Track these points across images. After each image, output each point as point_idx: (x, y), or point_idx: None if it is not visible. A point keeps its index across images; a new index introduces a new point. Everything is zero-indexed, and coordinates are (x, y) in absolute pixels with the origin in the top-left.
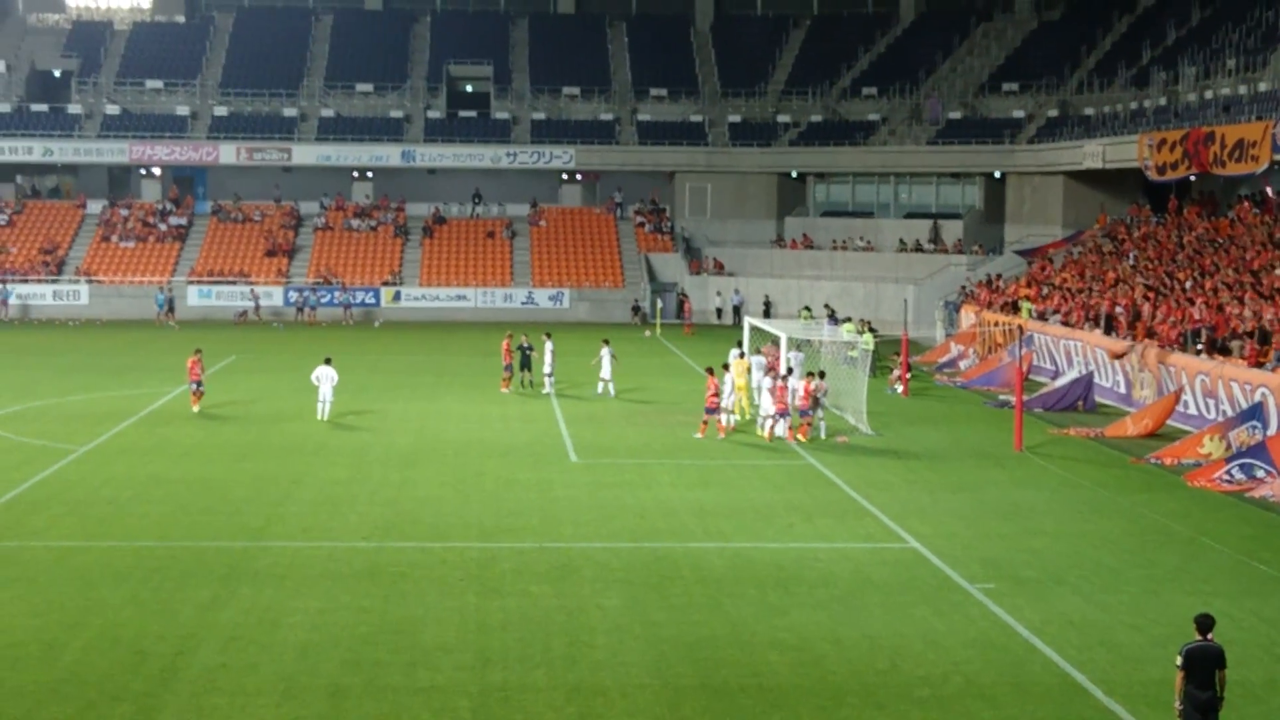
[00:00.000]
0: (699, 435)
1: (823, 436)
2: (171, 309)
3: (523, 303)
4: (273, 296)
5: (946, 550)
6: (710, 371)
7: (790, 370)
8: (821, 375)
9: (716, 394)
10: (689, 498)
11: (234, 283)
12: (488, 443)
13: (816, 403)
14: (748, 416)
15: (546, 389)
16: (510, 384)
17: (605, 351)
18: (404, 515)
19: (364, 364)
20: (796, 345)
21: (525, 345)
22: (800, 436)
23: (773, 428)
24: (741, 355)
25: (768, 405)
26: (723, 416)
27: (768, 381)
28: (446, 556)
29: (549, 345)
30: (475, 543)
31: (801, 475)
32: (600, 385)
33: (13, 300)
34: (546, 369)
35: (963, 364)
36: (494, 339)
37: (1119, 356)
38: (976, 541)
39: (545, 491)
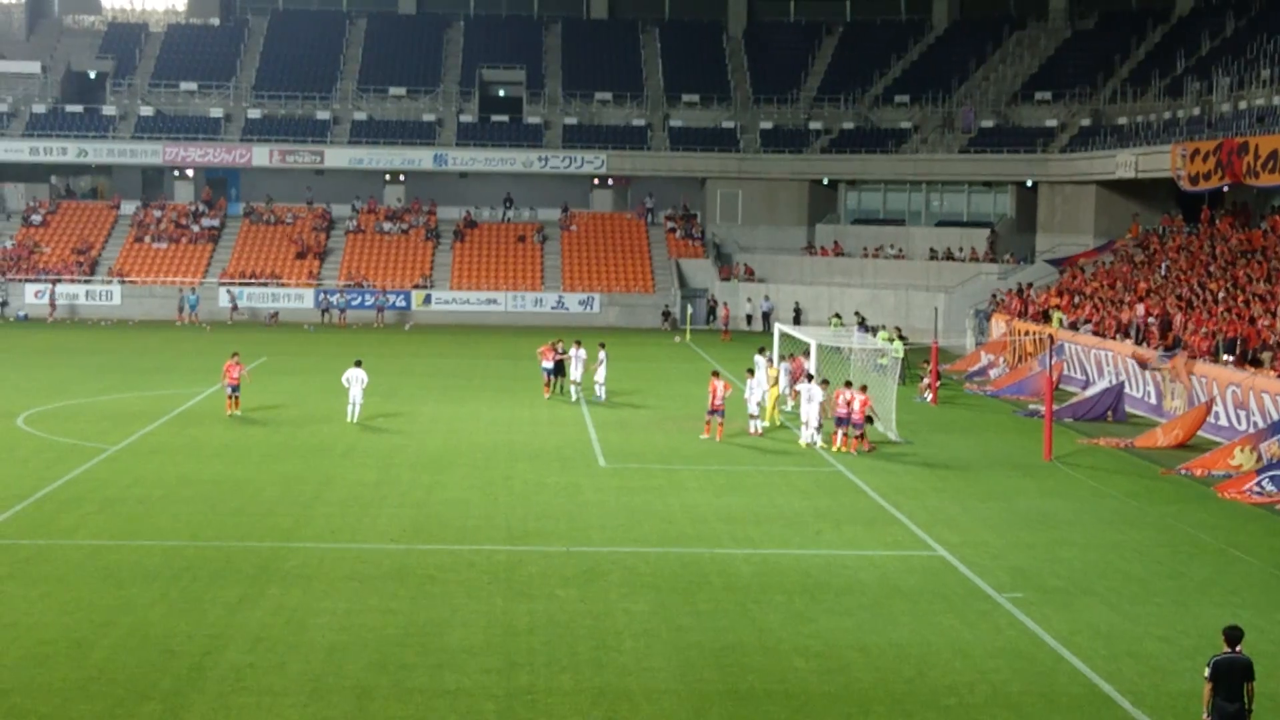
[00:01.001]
0: (705, 435)
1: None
2: (182, 309)
3: (553, 307)
4: (303, 299)
5: (975, 559)
6: (715, 374)
7: (810, 377)
8: (859, 386)
9: (722, 397)
10: (717, 503)
11: (266, 284)
12: (516, 446)
13: (871, 416)
14: (777, 423)
15: (574, 396)
16: (550, 390)
17: (601, 354)
18: (432, 518)
19: (394, 367)
20: (804, 352)
21: (559, 351)
22: (847, 449)
23: (846, 436)
24: (770, 361)
25: (809, 413)
26: (751, 423)
27: (818, 393)
28: (474, 559)
29: (578, 353)
30: (503, 546)
31: (830, 482)
32: (598, 389)
33: (60, 301)
34: (575, 376)
35: (993, 373)
36: (524, 343)
37: (1144, 365)
38: (1005, 551)
39: (573, 496)
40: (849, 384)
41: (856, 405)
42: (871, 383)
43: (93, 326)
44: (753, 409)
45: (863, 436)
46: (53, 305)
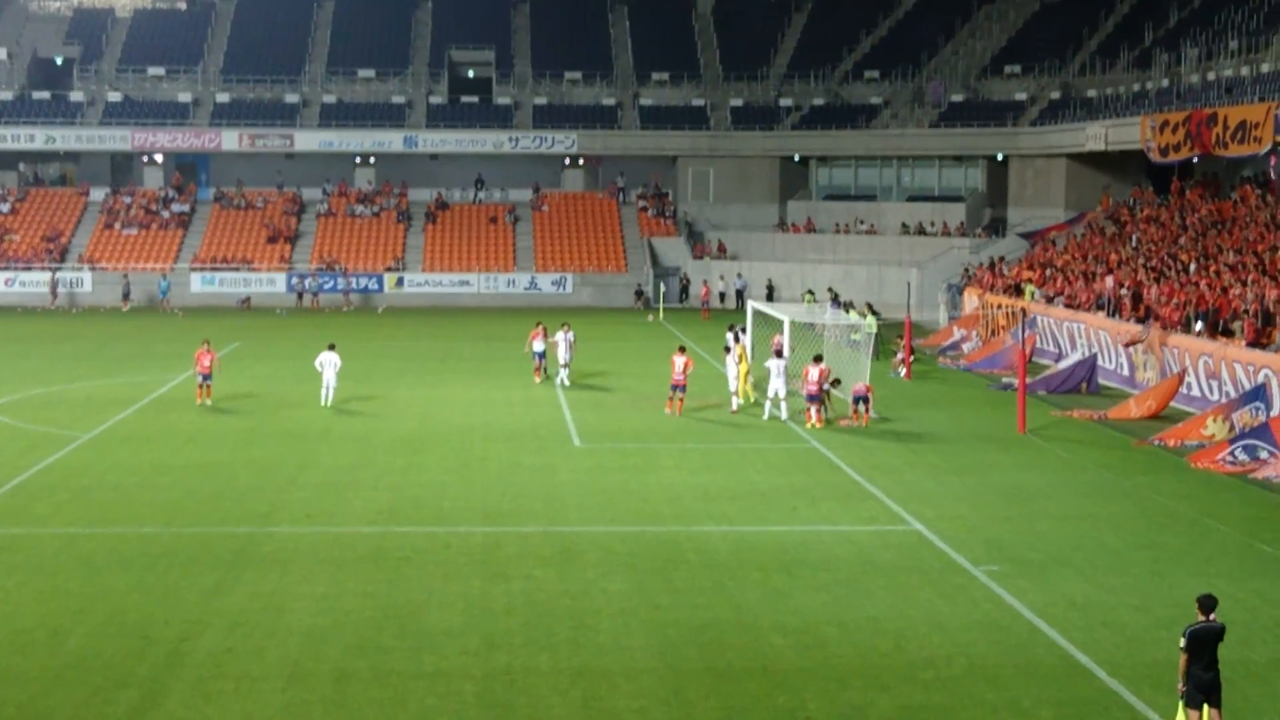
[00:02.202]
0: (668, 411)
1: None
2: (127, 296)
3: (525, 288)
4: (275, 283)
5: (950, 533)
6: (681, 350)
7: (779, 353)
8: (817, 359)
9: (683, 372)
10: (693, 481)
11: (237, 269)
12: (491, 428)
13: (833, 386)
14: (750, 399)
15: (559, 379)
16: (539, 373)
17: (567, 335)
18: (408, 500)
19: (368, 350)
20: (738, 335)
21: (547, 334)
22: (815, 423)
23: (819, 413)
24: (737, 339)
25: (780, 388)
26: (734, 400)
27: (778, 365)
28: (451, 541)
29: (567, 336)
30: (479, 527)
31: (805, 459)
32: (562, 372)
33: (31, 289)
34: (562, 358)
35: (966, 347)
36: (497, 324)
37: (1132, 344)
38: (980, 524)
39: (549, 476)
40: (818, 359)
41: (865, 381)
42: (844, 359)
43: (63, 313)
44: (734, 385)
45: (859, 408)
46: (54, 294)
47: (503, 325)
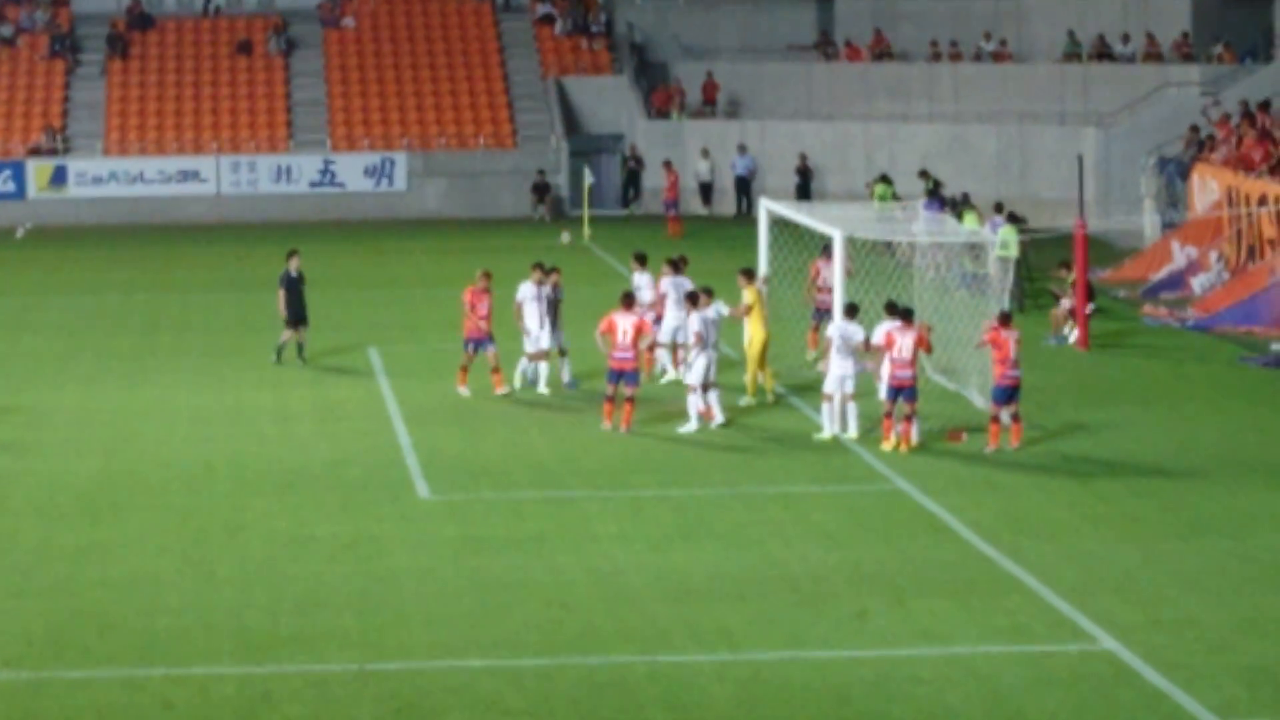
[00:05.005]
0: (606, 424)
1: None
2: None
3: (315, 183)
4: None
5: (1173, 657)
6: (626, 302)
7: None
8: (902, 314)
9: (632, 346)
10: (658, 564)
11: None
12: (251, 465)
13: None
14: (770, 394)
15: (539, 385)
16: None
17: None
18: (83, 618)
19: None
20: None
21: (293, 274)
22: (902, 444)
23: (910, 420)
24: (751, 277)
25: (843, 368)
26: (696, 397)
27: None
28: (174, 697)
29: (540, 289)
30: (231, 668)
31: (880, 512)
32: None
33: None
34: (533, 338)
35: (1196, 282)
36: (258, 255)
37: None
38: (1232, 639)
39: (367, 561)
40: (903, 313)
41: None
42: (957, 311)
43: None
44: (690, 377)
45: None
46: None
47: (272, 259)
